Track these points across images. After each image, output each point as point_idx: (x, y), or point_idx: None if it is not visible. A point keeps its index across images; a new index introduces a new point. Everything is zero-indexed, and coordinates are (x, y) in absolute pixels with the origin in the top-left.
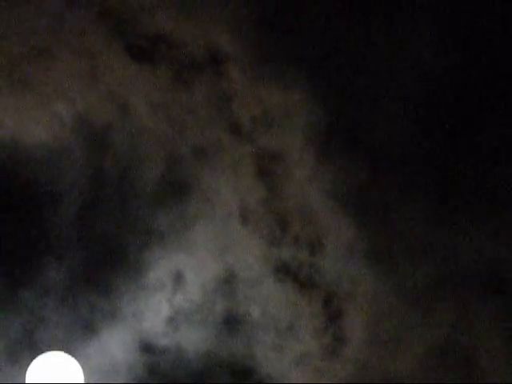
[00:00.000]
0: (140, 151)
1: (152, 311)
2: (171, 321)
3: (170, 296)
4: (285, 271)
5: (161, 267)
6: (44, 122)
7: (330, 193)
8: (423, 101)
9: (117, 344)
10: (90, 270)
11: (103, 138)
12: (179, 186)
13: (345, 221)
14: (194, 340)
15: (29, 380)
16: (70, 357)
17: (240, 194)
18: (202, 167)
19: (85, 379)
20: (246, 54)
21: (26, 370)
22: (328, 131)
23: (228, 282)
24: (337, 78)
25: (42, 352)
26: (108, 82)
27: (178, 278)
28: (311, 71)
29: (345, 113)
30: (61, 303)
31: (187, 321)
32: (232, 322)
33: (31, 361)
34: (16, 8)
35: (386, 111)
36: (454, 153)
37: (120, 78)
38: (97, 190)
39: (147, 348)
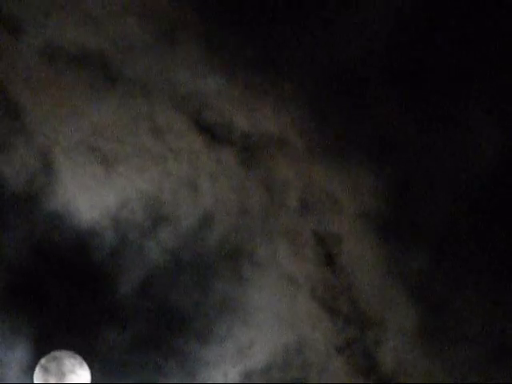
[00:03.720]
0: (203, 225)
1: (218, 378)
2: None
3: (236, 364)
4: (344, 347)
5: (226, 335)
6: (114, 198)
7: (389, 273)
8: (480, 195)
9: None
10: (152, 336)
11: (169, 212)
12: (240, 257)
13: (403, 301)
14: None
15: (36, 380)
16: (76, 355)
17: (303, 273)
18: (264, 242)
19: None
20: (302, 139)
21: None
22: (388, 215)
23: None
24: (398, 164)
25: None
26: (177, 161)
27: (243, 347)
28: (372, 156)
29: (405, 198)
30: (121, 368)
31: None
32: None
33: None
34: (97, 89)
35: (445, 200)
36: (507, 243)
37: (188, 158)
38: (160, 260)
39: None
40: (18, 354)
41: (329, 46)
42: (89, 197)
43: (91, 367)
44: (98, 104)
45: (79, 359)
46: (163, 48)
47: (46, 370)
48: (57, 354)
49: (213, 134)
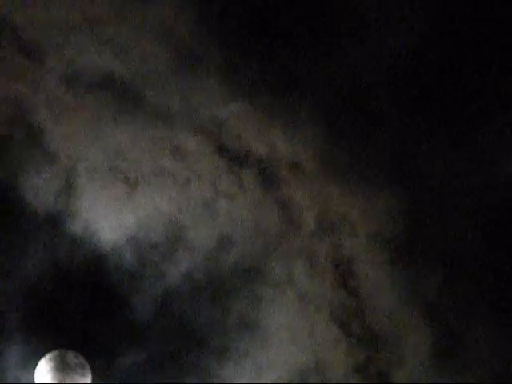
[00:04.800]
0: (220, 246)
1: None
2: None
3: (254, 381)
4: (361, 367)
5: (244, 353)
6: (134, 219)
7: (404, 295)
8: (495, 218)
9: None
10: (171, 354)
11: (188, 233)
12: (257, 277)
13: (418, 322)
14: None
15: (38, 379)
16: (78, 355)
17: (318, 293)
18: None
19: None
20: (317, 163)
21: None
22: (402, 238)
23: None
24: (412, 188)
25: None
26: (196, 182)
27: (261, 365)
28: (386, 179)
29: (419, 221)
30: None
31: None
32: None
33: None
34: (119, 113)
35: (459, 224)
36: None
37: (207, 180)
38: (178, 280)
39: None
40: None
41: (343, 71)
42: (110, 218)
43: None
44: (119, 127)
45: (81, 359)
46: (183, 73)
47: (47, 369)
48: (58, 353)
49: (231, 156)
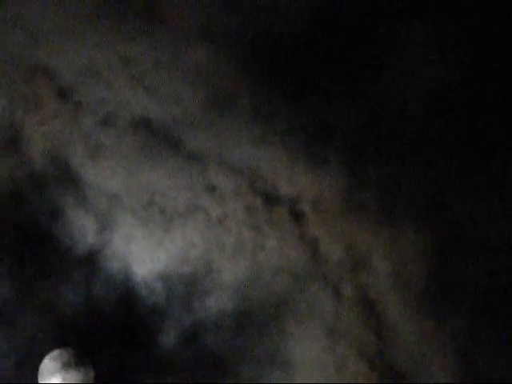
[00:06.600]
0: (247, 280)
1: None
2: None
3: None
4: None
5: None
6: (167, 255)
7: (430, 334)
8: None
9: None
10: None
11: (217, 267)
12: (283, 311)
13: (443, 363)
14: None
15: (41, 379)
16: (80, 355)
17: (345, 328)
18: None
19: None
20: (344, 201)
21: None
22: (427, 276)
23: None
24: (438, 226)
25: None
26: (228, 219)
27: None
28: (412, 218)
29: (444, 260)
30: None
31: None
32: None
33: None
34: (154, 153)
35: (485, 264)
36: None
37: (238, 217)
38: (207, 315)
39: None
40: None
41: (371, 113)
42: (145, 254)
43: None
44: (155, 166)
45: (83, 358)
46: (216, 115)
47: (49, 369)
48: (60, 352)
49: (262, 195)
